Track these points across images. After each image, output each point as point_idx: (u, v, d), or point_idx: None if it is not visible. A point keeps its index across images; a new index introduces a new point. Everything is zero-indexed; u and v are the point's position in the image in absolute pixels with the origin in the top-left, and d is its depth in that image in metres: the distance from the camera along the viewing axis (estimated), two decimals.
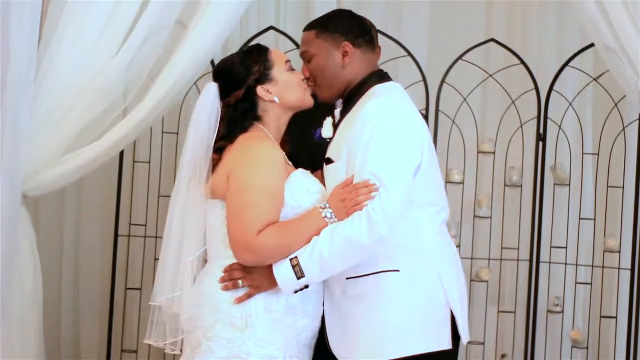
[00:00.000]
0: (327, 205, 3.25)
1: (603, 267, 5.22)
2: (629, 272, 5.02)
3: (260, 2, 5.64)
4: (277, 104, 3.38)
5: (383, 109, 3.33)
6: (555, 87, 5.14)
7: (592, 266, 5.29)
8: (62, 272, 5.64)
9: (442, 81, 5.17)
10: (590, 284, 5.30)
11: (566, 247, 5.33)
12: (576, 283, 5.33)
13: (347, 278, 3.35)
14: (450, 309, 3.39)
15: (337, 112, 3.56)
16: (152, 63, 4.45)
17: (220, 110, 3.36)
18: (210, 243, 3.38)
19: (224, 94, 3.36)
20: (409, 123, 3.36)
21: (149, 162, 5.20)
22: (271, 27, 5.28)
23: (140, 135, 4.68)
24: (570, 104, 5.25)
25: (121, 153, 4.92)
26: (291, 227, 3.24)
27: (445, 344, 3.38)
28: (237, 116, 3.35)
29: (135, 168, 5.28)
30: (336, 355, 3.42)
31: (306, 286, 3.30)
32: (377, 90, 3.43)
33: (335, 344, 3.41)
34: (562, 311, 5.33)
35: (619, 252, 5.18)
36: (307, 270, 3.23)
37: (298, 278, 3.24)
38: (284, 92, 3.39)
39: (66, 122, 4.34)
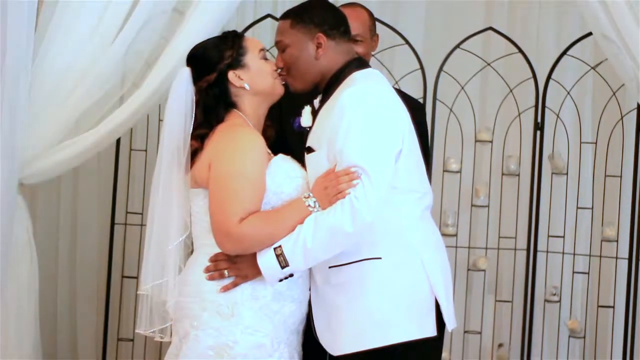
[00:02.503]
0: (310, 194, 3.23)
1: (601, 256, 5.22)
2: (626, 261, 5.01)
3: None
4: (248, 90, 3.37)
5: (361, 95, 3.30)
6: (553, 76, 5.13)
7: (590, 255, 5.29)
8: (58, 261, 5.63)
9: (440, 70, 5.16)
10: (588, 273, 5.30)
11: (564, 237, 5.32)
12: (574, 272, 5.33)
13: (330, 267, 3.33)
14: (434, 296, 3.36)
15: (316, 101, 3.52)
16: (149, 50, 4.45)
17: (194, 95, 3.35)
18: (195, 232, 3.37)
19: (196, 78, 3.36)
20: (387, 109, 3.33)
21: (146, 150, 5.18)
22: (269, 15, 5.26)
23: (137, 123, 4.67)
24: (568, 92, 5.24)
25: (118, 141, 4.91)
26: (274, 216, 3.23)
27: (430, 332, 3.36)
28: (210, 101, 3.34)
29: (132, 156, 5.26)
30: (323, 344, 3.41)
31: (291, 275, 3.30)
32: (355, 77, 3.39)
33: (322, 333, 3.41)
34: (560, 300, 5.33)
35: (617, 241, 5.18)
36: (291, 259, 3.21)
37: (282, 267, 3.22)
38: (255, 79, 3.38)
39: (63, 109, 4.34)
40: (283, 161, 3.35)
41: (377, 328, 3.30)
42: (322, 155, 3.32)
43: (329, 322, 3.37)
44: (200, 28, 4.23)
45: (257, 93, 3.39)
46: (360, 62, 3.49)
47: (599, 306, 5.26)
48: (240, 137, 3.28)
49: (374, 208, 3.21)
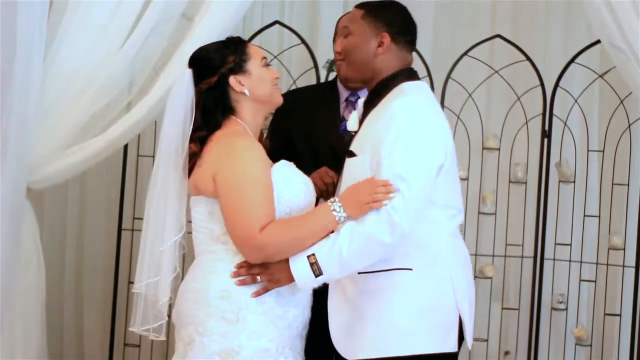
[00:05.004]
0: (336, 199, 3.25)
1: (607, 264, 5.22)
2: (633, 269, 5.01)
3: None
4: (248, 96, 3.37)
5: (411, 107, 3.31)
6: (561, 84, 5.13)
7: (597, 264, 5.28)
8: (65, 266, 5.64)
9: (448, 77, 5.16)
10: (595, 281, 5.28)
11: (571, 245, 5.31)
12: (580, 280, 5.32)
13: (359, 273, 3.33)
14: (459, 312, 3.38)
15: (360, 102, 3.55)
16: (157, 56, 4.46)
17: (195, 96, 3.36)
18: (196, 239, 3.38)
19: (197, 80, 3.37)
20: (434, 124, 3.36)
21: (153, 156, 5.13)
22: (277, 22, 5.27)
23: (145, 129, 4.67)
24: (576, 100, 5.24)
25: (125, 147, 4.92)
26: (296, 221, 3.25)
27: (450, 347, 3.37)
28: (210, 103, 3.35)
29: (140, 162, 5.27)
30: (337, 349, 3.41)
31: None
32: (405, 88, 3.40)
33: (338, 339, 3.40)
34: (566, 308, 5.32)
35: (624, 249, 5.18)
36: (325, 268, 3.22)
37: (316, 276, 3.24)
38: (255, 86, 3.38)
39: (71, 115, 4.35)
40: (285, 167, 3.36)
41: (399, 337, 3.31)
42: (363, 161, 3.33)
43: (349, 325, 3.37)
44: (209, 34, 4.23)
45: (256, 100, 3.40)
46: (411, 73, 3.51)
47: (605, 314, 5.25)
48: (242, 144, 3.29)
49: (412, 219, 3.23)
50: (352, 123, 3.55)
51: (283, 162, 3.38)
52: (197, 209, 3.35)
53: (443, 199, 3.38)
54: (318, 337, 3.48)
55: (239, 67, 3.38)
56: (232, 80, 3.36)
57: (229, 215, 3.24)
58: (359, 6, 3.56)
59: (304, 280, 3.25)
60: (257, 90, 3.39)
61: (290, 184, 3.32)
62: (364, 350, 3.33)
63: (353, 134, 3.53)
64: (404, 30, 3.50)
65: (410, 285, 3.32)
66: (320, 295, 3.45)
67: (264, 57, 3.47)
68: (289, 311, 3.32)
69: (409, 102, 3.32)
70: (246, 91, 3.36)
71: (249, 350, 3.24)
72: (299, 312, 3.36)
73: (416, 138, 3.27)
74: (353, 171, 3.37)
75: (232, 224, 3.24)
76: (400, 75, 3.45)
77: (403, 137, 3.25)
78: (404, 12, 3.56)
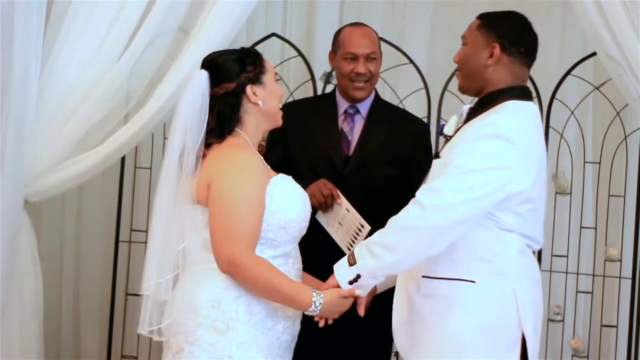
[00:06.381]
0: (321, 296, 3.26)
1: (604, 276, 5.22)
2: (629, 281, 5.02)
3: (265, 9, 5.65)
4: (260, 108, 3.37)
5: (497, 129, 3.27)
6: (557, 96, 5.14)
7: (593, 275, 5.28)
8: (62, 278, 5.64)
9: (444, 89, 5.17)
10: (591, 293, 5.29)
11: (567, 256, 5.31)
12: (577, 292, 5.32)
13: (423, 276, 3.35)
14: (521, 331, 3.32)
15: (465, 108, 3.52)
16: (154, 69, 4.47)
17: (209, 99, 3.35)
18: (190, 247, 3.36)
19: (214, 83, 3.35)
20: (515, 150, 3.27)
21: (151, 168, 5.19)
22: (274, 34, 5.29)
23: (142, 141, 4.68)
24: (572, 112, 5.25)
25: (123, 159, 4.92)
26: (280, 274, 3.25)
27: None
28: (225, 109, 3.34)
29: (137, 174, 5.27)
30: (398, 348, 3.46)
31: (358, 276, 3.29)
32: (508, 107, 3.35)
33: (400, 337, 3.44)
34: (563, 320, 5.32)
35: (620, 261, 5.18)
36: (358, 255, 3.29)
37: (350, 265, 3.28)
38: (268, 99, 3.39)
39: (68, 127, 4.36)
40: (282, 181, 3.36)
41: (457, 349, 3.29)
42: (442, 163, 3.34)
43: (411, 327, 3.39)
44: (205, 47, 4.24)
45: (265, 113, 3.40)
46: (522, 92, 3.45)
47: (602, 325, 5.25)
48: (242, 157, 3.29)
49: (456, 197, 3.21)
50: (449, 127, 3.54)
51: (281, 176, 3.38)
52: (192, 217, 3.33)
53: (526, 231, 3.36)
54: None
55: (256, 78, 3.38)
56: (249, 89, 3.36)
57: (217, 225, 3.23)
58: (479, 16, 3.54)
59: (341, 272, 3.30)
60: (268, 104, 3.39)
61: (287, 198, 3.32)
62: (422, 354, 3.35)
63: (449, 137, 3.51)
64: (517, 41, 3.43)
65: (471, 298, 3.29)
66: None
67: (276, 73, 3.49)
68: (279, 323, 3.31)
69: (499, 122, 3.28)
70: (260, 103, 3.37)
71: None
72: (289, 324, 3.35)
73: (492, 149, 3.25)
74: (434, 171, 3.39)
75: (217, 234, 3.23)
76: (509, 92, 3.39)
77: (476, 142, 3.26)
78: (520, 22, 3.49)
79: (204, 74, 3.35)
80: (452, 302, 3.31)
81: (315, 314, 3.26)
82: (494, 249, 3.32)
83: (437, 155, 3.46)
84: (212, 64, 3.40)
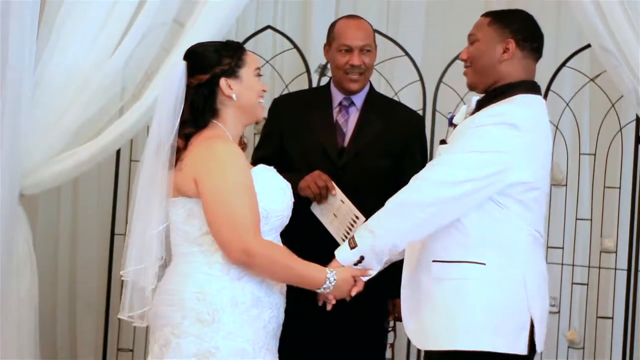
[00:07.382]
0: (334, 273, 3.32)
1: (599, 267, 5.22)
2: (625, 272, 5.02)
3: (258, 2, 5.64)
4: (234, 101, 3.37)
5: (504, 116, 3.34)
6: (552, 88, 5.14)
7: (589, 267, 5.29)
8: (58, 271, 5.63)
9: (440, 81, 5.17)
10: (587, 284, 5.29)
11: (563, 248, 5.32)
12: (572, 283, 5.32)
13: (433, 260, 3.39)
14: (530, 315, 3.37)
15: (474, 99, 3.56)
16: (149, 61, 4.47)
17: (185, 90, 3.36)
18: (173, 240, 3.37)
19: (190, 74, 3.36)
20: (522, 139, 3.34)
21: None
22: (269, 27, 5.28)
23: (137, 134, 4.68)
24: (567, 104, 5.25)
25: (118, 152, 4.93)
26: (293, 256, 3.30)
27: (520, 349, 3.36)
28: (198, 100, 3.35)
29: (132, 167, 5.26)
30: (407, 331, 3.49)
31: (362, 258, 3.35)
32: (517, 99, 3.42)
33: (410, 325, 3.47)
34: (559, 312, 5.32)
35: (616, 252, 5.18)
36: (358, 238, 3.35)
37: (351, 248, 3.34)
38: (243, 93, 3.38)
39: (63, 120, 4.35)
40: (263, 172, 3.38)
41: (467, 331, 3.33)
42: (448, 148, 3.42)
43: (419, 311, 3.43)
44: (200, 39, 4.16)
45: (241, 107, 3.39)
46: (532, 86, 3.52)
47: (597, 317, 5.25)
48: (224, 148, 3.29)
49: (443, 173, 3.32)
50: (458, 117, 3.59)
51: (262, 167, 3.39)
52: (175, 211, 3.34)
53: (532, 222, 3.42)
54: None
55: (232, 71, 3.37)
56: (223, 82, 3.36)
57: (216, 215, 3.24)
58: (486, 14, 3.60)
59: (343, 254, 3.36)
60: (244, 98, 3.38)
61: (268, 187, 3.32)
62: (430, 338, 3.39)
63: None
64: (530, 37, 3.52)
65: (481, 280, 3.34)
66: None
67: (258, 67, 3.47)
68: (265, 312, 3.32)
69: (509, 111, 3.36)
70: (234, 96, 3.37)
71: (226, 351, 3.24)
72: (275, 314, 3.36)
73: (501, 136, 3.32)
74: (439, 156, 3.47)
75: (222, 228, 3.23)
76: (519, 86, 3.47)
77: (482, 129, 3.33)
78: (530, 19, 3.58)
79: (182, 65, 3.38)
80: (462, 284, 3.35)
81: (328, 290, 3.30)
82: (504, 234, 3.37)
83: (443, 142, 3.51)
84: (191, 54, 3.43)
